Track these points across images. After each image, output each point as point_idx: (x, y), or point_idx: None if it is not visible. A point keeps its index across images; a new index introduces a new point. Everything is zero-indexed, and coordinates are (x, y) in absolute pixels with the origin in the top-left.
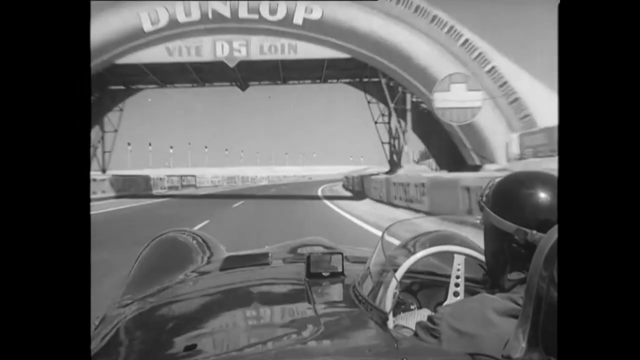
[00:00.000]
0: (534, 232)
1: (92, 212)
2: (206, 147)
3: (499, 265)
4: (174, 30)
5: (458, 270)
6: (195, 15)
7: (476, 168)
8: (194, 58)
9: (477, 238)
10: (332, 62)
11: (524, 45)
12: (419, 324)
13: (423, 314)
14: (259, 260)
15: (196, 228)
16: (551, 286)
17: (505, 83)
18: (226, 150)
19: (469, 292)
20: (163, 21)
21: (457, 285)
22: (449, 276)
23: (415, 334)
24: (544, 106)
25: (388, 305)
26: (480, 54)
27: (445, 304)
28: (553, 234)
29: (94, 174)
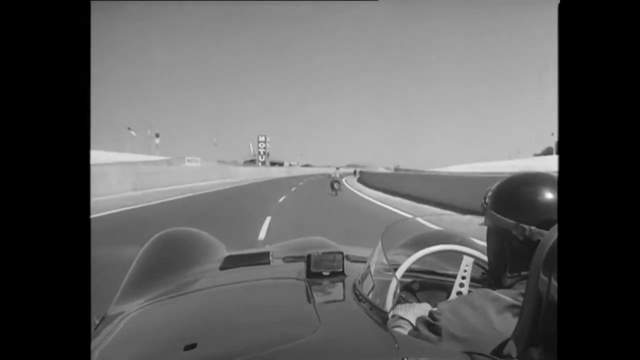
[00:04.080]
0: (533, 228)
1: None
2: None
3: (500, 264)
4: None
5: (465, 271)
6: None
7: None
8: None
9: (477, 237)
10: None
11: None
12: (419, 319)
13: (422, 307)
14: (260, 259)
15: None
16: (551, 285)
17: None
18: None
19: (471, 292)
20: None
21: (461, 285)
22: (449, 275)
23: (415, 329)
24: None
25: (388, 304)
26: None
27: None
28: (553, 233)
29: None
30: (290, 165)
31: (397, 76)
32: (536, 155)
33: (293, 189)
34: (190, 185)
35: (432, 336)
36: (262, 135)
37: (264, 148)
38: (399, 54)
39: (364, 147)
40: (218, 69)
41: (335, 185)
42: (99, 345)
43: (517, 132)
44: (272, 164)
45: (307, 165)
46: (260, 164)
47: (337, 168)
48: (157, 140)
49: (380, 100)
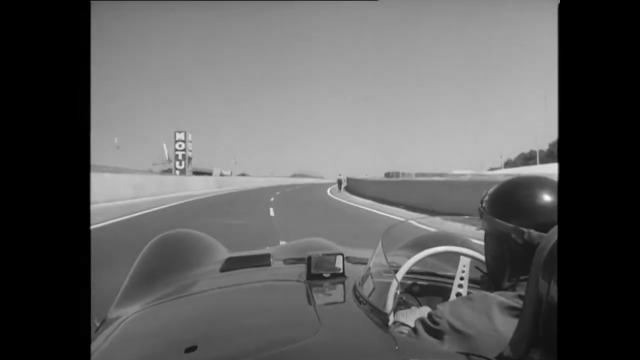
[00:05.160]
0: (532, 231)
1: None
2: None
3: (499, 267)
4: None
5: (463, 271)
6: None
7: None
8: None
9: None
10: None
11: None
12: (419, 320)
13: (423, 312)
14: (260, 261)
15: None
16: (551, 287)
17: None
18: None
19: (471, 293)
20: None
21: (460, 286)
22: (449, 277)
23: (415, 331)
24: None
25: (389, 306)
26: None
27: None
28: (553, 235)
29: None
30: (221, 174)
31: (342, 74)
32: (507, 165)
33: None
34: None
35: (432, 338)
36: (180, 132)
37: (184, 150)
38: (351, 52)
39: (311, 154)
40: (137, 60)
41: None
42: (99, 348)
43: (493, 142)
44: (197, 173)
45: (243, 175)
46: (177, 172)
47: None
48: None
49: (332, 99)
